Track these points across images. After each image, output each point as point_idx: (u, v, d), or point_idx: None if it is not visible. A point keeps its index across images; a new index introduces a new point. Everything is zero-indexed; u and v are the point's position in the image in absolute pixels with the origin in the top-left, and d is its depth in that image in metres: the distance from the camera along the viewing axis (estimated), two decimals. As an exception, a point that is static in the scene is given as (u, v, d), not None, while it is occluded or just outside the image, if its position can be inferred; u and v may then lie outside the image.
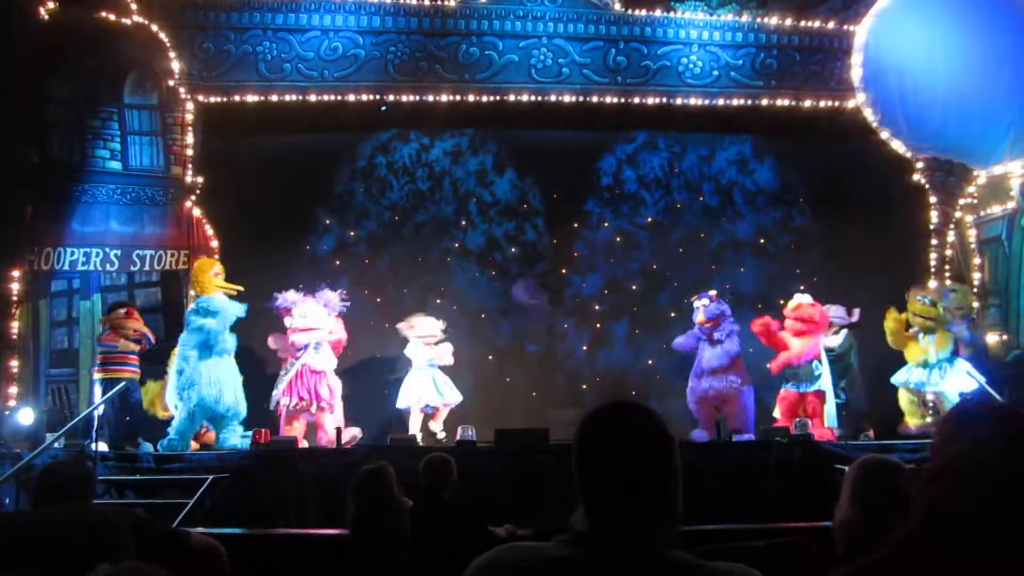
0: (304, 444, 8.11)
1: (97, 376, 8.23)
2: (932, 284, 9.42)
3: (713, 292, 8.90)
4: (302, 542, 5.54)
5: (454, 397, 8.76)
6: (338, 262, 9.99)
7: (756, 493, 6.99)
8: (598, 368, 10.28)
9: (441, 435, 8.58)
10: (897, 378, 8.84)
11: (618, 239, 10.51)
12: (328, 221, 10.16)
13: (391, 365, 9.34)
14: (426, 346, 8.75)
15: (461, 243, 10.32)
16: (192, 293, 8.98)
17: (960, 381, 8.47)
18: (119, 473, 7.39)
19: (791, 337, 8.51)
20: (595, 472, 1.44)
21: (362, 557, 3.95)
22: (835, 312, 8.90)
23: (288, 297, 8.46)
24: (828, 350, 8.79)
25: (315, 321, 8.34)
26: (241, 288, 8.44)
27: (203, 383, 7.89)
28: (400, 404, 8.74)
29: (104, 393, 7.96)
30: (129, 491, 7.24)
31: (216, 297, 8.15)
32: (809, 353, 8.47)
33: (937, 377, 8.52)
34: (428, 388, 8.64)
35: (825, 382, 8.57)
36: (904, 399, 8.82)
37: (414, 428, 8.60)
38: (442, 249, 10.28)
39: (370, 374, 9.57)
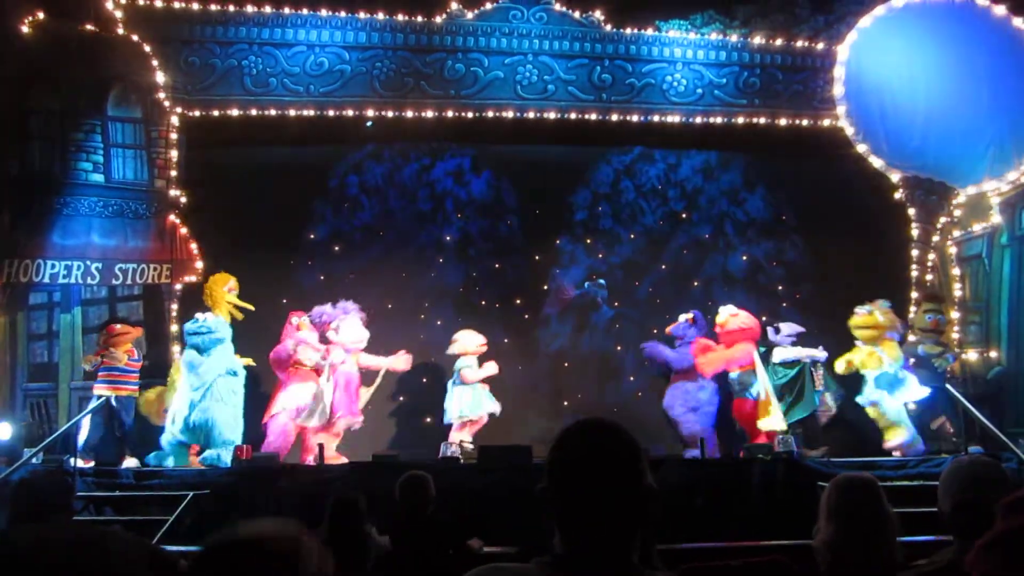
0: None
1: (101, 392, 8.20)
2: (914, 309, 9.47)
3: (690, 316, 8.97)
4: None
5: (493, 407, 8.76)
6: (322, 277, 9.94)
7: (738, 511, 6.98)
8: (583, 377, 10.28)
9: (469, 445, 8.42)
10: (862, 398, 8.66)
11: (600, 255, 10.54)
12: (312, 236, 10.11)
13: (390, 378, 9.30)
14: (476, 358, 8.79)
15: (444, 260, 10.28)
16: (172, 302, 9.04)
17: (910, 394, 8.45)
18: (98, 489, 7.30)
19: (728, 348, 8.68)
20: (567, 491, 1.43)
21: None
22: (788, 329, 8.88)
23: (327, 311, 8.69)
24: (783, 364, 8.73)
25: (356, 336, 8.61)
26: (252, 308, 8.61)
27: (198, 409, 7.88)
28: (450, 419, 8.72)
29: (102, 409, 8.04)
30: (108, 507, 7.15)
31: (219, 321, 8.21)
32: (744, 359, 8.55)
33: (882, 391, 8.42)
34: (469, 400, 8.66)
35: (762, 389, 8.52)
36: (874, 415, 8.60)
37: (455, 439, 8.53)
38: (427, 262, 10.24)
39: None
